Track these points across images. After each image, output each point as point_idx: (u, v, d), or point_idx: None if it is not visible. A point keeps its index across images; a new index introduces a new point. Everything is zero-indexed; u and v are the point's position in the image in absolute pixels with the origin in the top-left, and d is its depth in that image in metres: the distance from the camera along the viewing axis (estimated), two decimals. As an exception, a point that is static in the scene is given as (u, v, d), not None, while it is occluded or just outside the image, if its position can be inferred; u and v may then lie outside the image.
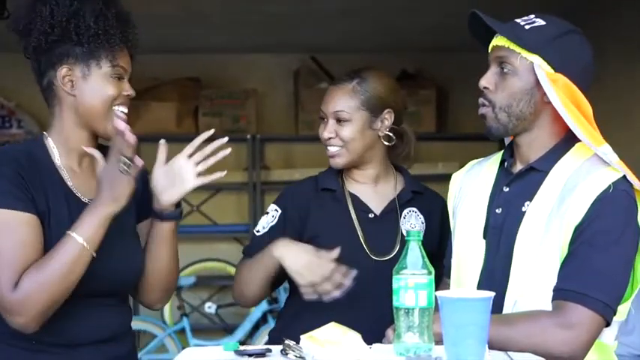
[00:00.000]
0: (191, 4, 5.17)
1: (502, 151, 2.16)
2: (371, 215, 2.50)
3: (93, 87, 2.04)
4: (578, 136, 1.97)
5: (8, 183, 1.96)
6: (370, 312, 2.31)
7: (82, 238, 1.93)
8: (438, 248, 2.42)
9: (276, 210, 2.54)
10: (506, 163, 2.12)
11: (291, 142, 6.71)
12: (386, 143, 2.52)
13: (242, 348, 1.81)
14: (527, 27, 2.01)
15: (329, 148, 2.50)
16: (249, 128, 6.51)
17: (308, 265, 2.28)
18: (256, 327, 5.94)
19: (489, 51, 2.08)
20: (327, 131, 2.48)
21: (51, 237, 1.98)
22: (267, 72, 6.75)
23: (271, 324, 5.83)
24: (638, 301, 3.07)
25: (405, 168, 2.63)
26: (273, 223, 2.52)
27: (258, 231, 2.54)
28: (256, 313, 5.91)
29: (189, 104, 6.50)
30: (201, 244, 6.39)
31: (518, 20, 2.05)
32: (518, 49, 2.00)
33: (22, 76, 7.44)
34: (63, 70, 2.05)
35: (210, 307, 6.14)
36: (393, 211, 2.50)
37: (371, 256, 2.44)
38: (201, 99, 6.52)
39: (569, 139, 2.03)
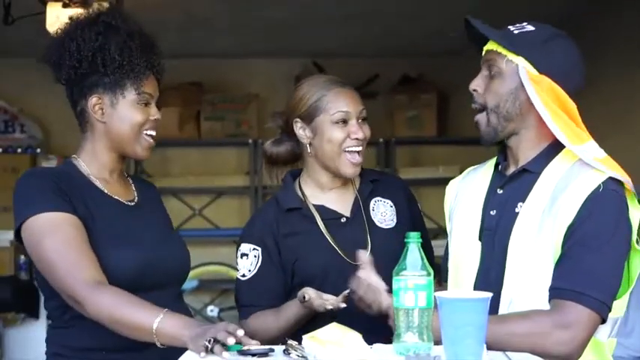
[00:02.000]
0: (193, 9, 5.20)
1: (497, 156, 2.20)
2: (342, 220, 2.46)
3: (121, 114, 2.19)
4: (555, 134, 2.01)
5: (50, 192, 2.11)
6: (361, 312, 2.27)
7: (157, 327, 1.95)
8: (412, 226, 2.41)
9: (255, 249, 2.45)
10: (500, 166, 2.15)
11: (292, 146, 6.72)
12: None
13: (245, 348, 1.83)
14: (516, 32, 2.07)
15: (355, 155, 2.42)
16: (251, 133, 6.54)
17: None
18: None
19: (482, 55, 2.13)
20: (363, 132, 2.42)
21: (98, 237, 2.11)
22: (269, 77, 6.78)
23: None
24: (637, 302, 3.10)
25: None
26: (259, 263, 2.44)
27: (244, 275, 2.44)
28: (258, 316, 5.93)
29: (192, 109, 6.53)
30: (203, 248, 6.41)
31: (510, 27, 2.10)
32: (504, 52, 2.06)
33: (26, 81, 7.50)
34: (93, 100, 2.19)
35: (212, 311, 6.16)
36: (359, 208, 2.47)
37: (348, 261, 2.37)
38: (203, 104, 6.55)
39: (559, 141, 2.07)
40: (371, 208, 2.48)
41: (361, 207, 2.47)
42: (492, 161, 2.21)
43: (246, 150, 6.49)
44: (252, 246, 2.45)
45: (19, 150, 6.41)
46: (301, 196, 2.48)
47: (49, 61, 2.23)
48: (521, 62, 2.04)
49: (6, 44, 5.63)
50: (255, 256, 2.45)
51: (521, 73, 2.03)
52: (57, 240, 2.06)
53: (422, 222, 2.56)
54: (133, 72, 2.17)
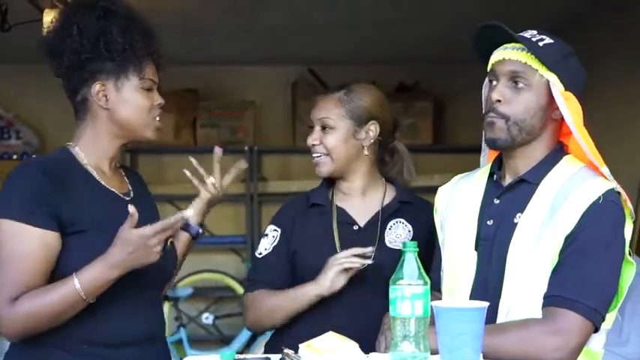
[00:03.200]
0: (189, 16, 5.21)
1: (489, 165, 2.19)
2: (355, 227, 2.53)
3: (126, 99, 2.14)
4: (588, 156, 2.03)
5: (26, 197, 2.03)
6: (357, 316, 2.38)
7: (82, 287, 1.98)
8: (425, 255, 2.44)
9: (275, 230, 2.58)
10: (495, 176, 2.15)
11: (288, 153, 6.73)
12: (365, 153, 2.54)
13: (239, 357, 1.83)
14: (540, 44, 2.04)
15: (314, 155, 2.56)
16: (247, 140, 6.54)
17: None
18: (253, 338, 5.95)
19: (493, 63, 2.09)
20: (312, 138, 2.55)
21: (89, 229, 2.06)
22: (265, 84, 6.78)
23: (268, 335, 5.84)
24: (631, 312, 3.11)
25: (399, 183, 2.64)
26: (275, 242, 2.56)
27: (260, 253, 2.57)
28: (253, 324, 5.92)
29: (188, 116, 6.53)
30: (199, 256, 6.40)
31: (527, 36, 2.06)
32: (535, 65, 2.03)
33: (21, 87, 7.50)
34: (97, 87, 2.14)
35: (207, 318, 6.16)
36: (377, 222, 2.53)
37: None
38: (199, 110, 6.55)
39: (557, 151, 2.08)
40: (388, 227, 2.53)
41: (378, 222, 2.53)
42: (484, 170, 2.21)
43: (242, 157, 6.47)
44: (274, 227, 2.59)
45: (15, 156, 6.41)
46: (330, 196, 2.58)
47: (50, 50, 2.16)
48: (552, 78, 2.03)
49: (2, 50, 5.62)
50: (273, 237, 2.57)
51: (553, 89, 2.03)
52: (4, 251, 2.01)
53: (436, 259, 2.48)
54: (135, 56, 2.13)
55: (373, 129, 2.54)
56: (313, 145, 2.55)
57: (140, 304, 2.14)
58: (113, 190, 2.18)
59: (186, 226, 2.38)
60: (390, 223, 2.53)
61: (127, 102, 2.14)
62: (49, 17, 4.20)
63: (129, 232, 1.98)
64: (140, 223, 2.00)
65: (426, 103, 6.50)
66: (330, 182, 2.61)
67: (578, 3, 4.97)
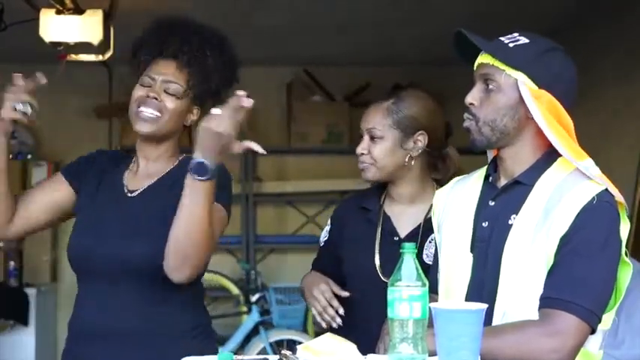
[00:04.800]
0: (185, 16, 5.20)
1: (485, 167, 2.20)
2: (395, 238, 2.54)
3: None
4: (560, 151, 2.02)
5: (82, 161, 2.43)
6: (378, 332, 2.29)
7: None
8: None
9: (329, 224, 2.69)
10: (490, 178, 2.16)
11: (283, 154, 6.74)
12: (413, 162, 2.53)
13: (237, 358, 1.83)
14: (511, 45, 2.06)
15: (360, 163, 2.55)
16: (242, 140, 6.53)
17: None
18: (247, 338, 5.96)
19: (475, 68, 2.12)
20: (361, 147, 2.54)
21: (77, 216, 2.37)
22: (261, 84, 6.76)
23: (262, 335, 5.85)
24: (627, 313, 3.11)
25: None
26: (327, 237, 2.68)
27: (320, 242, 2.72)
28: (248, 324, 5.93)
29: (183, 116, 6.53)
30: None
31: (502, 38, 2.09)
32: (502, 66, 2.05)
33: (17, 86, 7.32)
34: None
35: (202, 319, 6.14)
36: (417, 235, 2.53)
37: (382, 279, 2.48)
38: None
39: (551, 153, 2.08)
40: (428, 240, 2.51)
41: (419, 234, 2.53)
42: (481, 172, 2.22)
43: (237, 157, 6.49)
44: (330, 221, 2.71)
45: (10, 156, 6.38)
46: (381, 200, 2.60)
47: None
48: (520, 77, 2.04)
49: (-3, 50, 5.63)
50: (327, 231, 2.70)
51: (522, 88, 2.03)
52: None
53: (433, 260, 2.51)
54: (142, 55, 2.33)
55: (421, 139, 2.52)
56: (361, 154, 2.53)
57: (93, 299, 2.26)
58: (125, 184, 2.35)
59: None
60: (431, 237, 2.47)
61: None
62: (46, 17, 4.21)
63: None
64: (119, 219, 2.26)
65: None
66: (382, 185, 2.61)
67: (577, 3, 4.98)
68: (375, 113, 2.53)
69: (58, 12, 4.32)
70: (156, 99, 2.27)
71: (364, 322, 2.38)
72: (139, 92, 2.29)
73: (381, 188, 2.61)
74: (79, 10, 4.34)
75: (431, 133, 2.53)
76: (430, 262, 2.40)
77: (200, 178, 2.06)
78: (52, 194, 2.38)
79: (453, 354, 1.68)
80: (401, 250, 1.81)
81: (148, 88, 2.28)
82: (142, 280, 2.23)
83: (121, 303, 2.24)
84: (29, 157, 6.43)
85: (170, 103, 2.28)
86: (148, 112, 2.27)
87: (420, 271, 1.78)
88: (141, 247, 2.22)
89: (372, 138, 2.51)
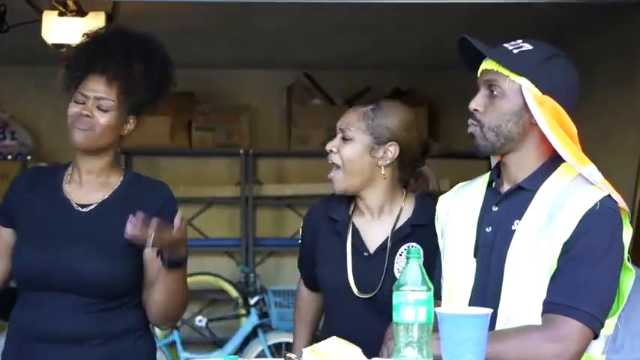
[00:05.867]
0: (185, 20, 5.22)
1: (489, 173, 2.21)
2: (365, 254, 2.52)
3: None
4: (563, 157, 2.04)
5: (4, 200, 2.49)
6: (362, 345, 2.21)
7: None
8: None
9: (301, 230, 2.70)
10: (494, 184, 2.17)
11: (283, 157, 6.75)
12: (382, 173, 2.50)
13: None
14: (515, 51, 2.08)
15: (331, 172, 2.53)
16: (242, 143, 6.55)
17: None
18: (246, 341, 5.96)
19: (478, 74, 2.14)
20: (331, 144, 2.53)
21: (22, 233, 2.41)
22: (261, 88, 6.80)
23: (261, 338, 5.86)
24: (627, 317, 3.12)
25: (423, 196, 2.61)
26: (301, 242, 2.71)
27: (299, 243, 2.74)
28: (246, 327, 5.93)
29: (183, 118, 6.55)
30: (193, 258, 6.30)
31: (506, 45, 2.11)
32: (506, 72, 2.06)
33: (17, 87, 7.46)
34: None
35: (200, 321, 6.15)
36: (385, 249, 2.51)
37: (356, 294, 2.48)
38: (194, 113, 6.56)
39: (555, 159, 2.09)
40: (399, 252, 2.49)
41: (387, 248, 2.50)
42: (484, 178, 2.23)
43: (236, 160, 6.50)
44: (301, 228, 2.71)
45: (10, 157, 6.41)
46: (349, 211, 2.58)
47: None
48: (524, 82, 2.05)
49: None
50: (300, 236, 2.71)
51: (526, 94, 2.05)
52: None
53: (437, 265, 2.43)
54: (74, 73, 2.40)
55: (392, 150, 2.49)
56: (330, 151, 2.53)
57: (65, 307, 2.32)
58: (70, 199, 2.41)
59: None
60: (401, 249, 2.49)
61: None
62: (48, 19, 4.23)
63: None
64: (70, 234, 2.34)
65: (420, 109, 6.52)
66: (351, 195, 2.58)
67: (581, 8, 4.99)
68: (352, 115, 2.53)
69: (61, 14, 4.34)
70: (88, 116, 2.35)
71: (344, 336, 2.35)
72: (73, 109, 2.37)
73: (350, 197, 2.58)
74: (81, 12, 4.36)
75: (404, 147, 2.50)
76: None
77: (176, 268, 2.33)
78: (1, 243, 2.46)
79: (458, 358, 1.69)
80: (406, 256, 1.81)
81: (82, 105, 2.36)
82: (98, 293, 2.35)
83: (75, 310, 2.34)
84: (29, 158, 6.43)
85: (102, 119, 2.37)
86: (80, 127, 2.36)
87: (426, 275, 1.79)
88: (104, 264, 2.34)
89: (344, 139, 2.51)
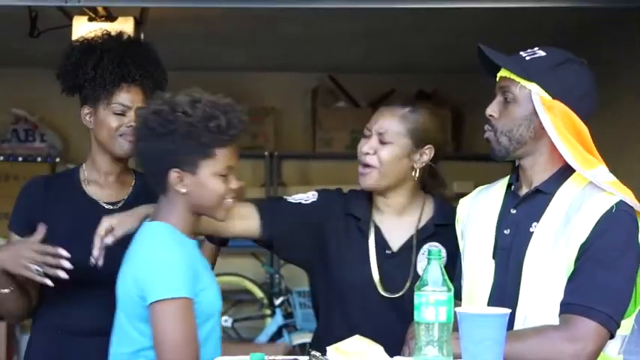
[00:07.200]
0: (210, 23, 5.28)
1: (508, 176, 2.25)
2: (388, 252, 2.51)
3: (100, 121, 2.50)
4: (567, 160, 2.08)
5: (19, 209, 2.54)
6: (382, 343, 2.18)
7: None
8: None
9: (315, 195, 2.57)
10: (512, 187, 2.21)
11: (308, 159, 6.79)
12: (414, 174, 2.50)
13: (269, 358, 1.89)
14: (527, 58, 2.14)
15: (361, 166, 2.49)
16: (267, 145, 6.60)
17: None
18: (271, 341, 6.01)
19: (497, 81, 2.19)
20: (368, 146, 2.48)
21: (55, 232, 2.38)
22: (286, 90, 6.84)
23: (286, 338, 5.90)
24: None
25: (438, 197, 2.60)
26: (308, 202, 2.56)
27: (294, 200, 2.57)
28: (272, 327, 5.98)
29: (209, 121, 6.59)
30: (218, 259, 6.45)
31: (522, 53, 2.16)
32: (517, 78, 2.12)
33: (46, 90, 7.52)
34: (85, 109, 2.54)
35: (226, 321, 6.21)
36: (410, 247, 2.50)
37: (381, 293, 2.47)
38: (220, 116, 6.61)
39: None
40: (422, 252, 2.49)
41: (413, 247, 2.50)
42: (504, 181, 2.27)
43: (261, 162, 6.55)
44: (317, 194, 2.57)
45: (39, 159, 6.49)
46: (368, 206, 2.54)
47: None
48: (533, 88, 2.10)
49: (29, 55, 5.71)
50: (307, 197, 2.57)
51: (534, 98, 2.10)
52: None
53: (457, 267, 2.39)
54: (105, 84, 2.47)
55: (428, 152, 2.49)
56: (367, 153, 2.47)
57: (105, 302, 2.33)
58: (96, 199, 2.52)
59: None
60: (423, 248, 2.48)
61: (100, 124, 2.49)
62: (78, 25, 4.29)
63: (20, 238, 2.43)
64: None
65: (444, 111, 6.53)
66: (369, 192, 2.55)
67: (597, 14, 5.00)
68: (390, 118, 2.49)
69: (91, 19, 4.40)
70: (132, 126, 2.43)
71: (367, 336, 2.33)
72: (117, 121, 2.46)
73: (369, 194, 2.55)
74: (111, 18, 4.42)
75: (437, 149, 2.52)
76: None
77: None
78: None
79: (477, 357, 1.73)
80: (427, 257, 1.85)
81: (124, 117, 2.46)
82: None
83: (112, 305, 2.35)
84: (57, 160, 6.52)
85: None
86: (128, 139, 2.44)
87: (446, 276, 1.83)
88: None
89: (382, 142, 2.48)
